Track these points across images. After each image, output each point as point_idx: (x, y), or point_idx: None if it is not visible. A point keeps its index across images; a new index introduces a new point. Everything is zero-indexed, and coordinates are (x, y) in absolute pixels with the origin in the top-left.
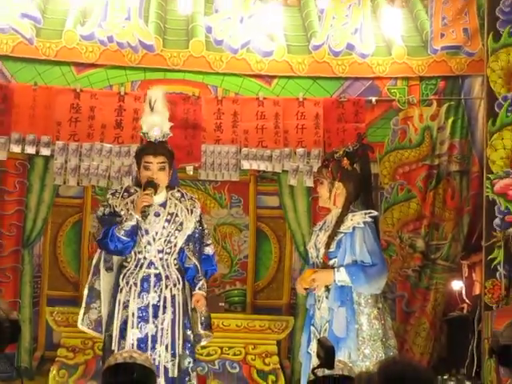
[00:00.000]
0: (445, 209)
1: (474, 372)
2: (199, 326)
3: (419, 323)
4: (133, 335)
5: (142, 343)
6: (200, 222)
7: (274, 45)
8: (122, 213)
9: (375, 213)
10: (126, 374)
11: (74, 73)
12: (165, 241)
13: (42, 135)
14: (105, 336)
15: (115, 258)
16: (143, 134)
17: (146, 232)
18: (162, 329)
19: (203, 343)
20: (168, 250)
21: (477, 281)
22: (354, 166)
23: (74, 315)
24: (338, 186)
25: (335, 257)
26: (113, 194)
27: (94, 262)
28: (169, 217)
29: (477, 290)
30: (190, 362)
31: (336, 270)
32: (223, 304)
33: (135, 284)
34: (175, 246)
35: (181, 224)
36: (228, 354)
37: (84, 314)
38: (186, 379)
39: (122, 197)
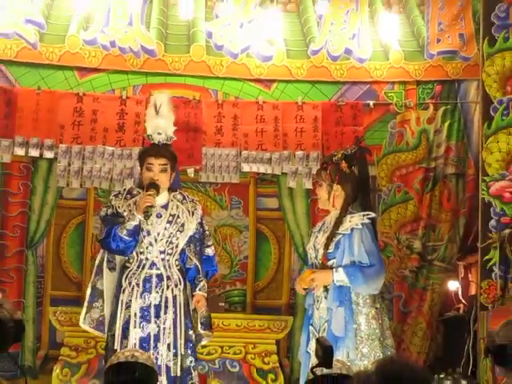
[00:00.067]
0: (441, 210)
1: (469, 371)
2: (199, 325)
3: (416, 323)
4: (135, 335)
5: (144, 343)
6: (201, 223)
7: (274, 50)
8: (125, 214)
9: (373, 214)
10: (127, 373)
11: (77, 77)
12: (166, 242)
13: (46, 138)
14: (107, 335)
15: (118, 259)
16: (148, 137)
17: (148, 233)
18: (164, 328)
19: (203, 343)
20: (170, 251)
21: (473, 281)
22: (352, 168)
23: (76, 315)
24: (336, 188)
25: (334, 257)
26: (116, 196)
27: (97, 262)
28: (170, 218)
29: (473, 291)
30: (191, 362)
31: (334, 270)
32: (223, 304)
33: (137, 284)
34: (177, 246)
35: (182, 225)
36: (228, 353)
37: (86, 312)
38: (188, 378)
39: (124, 198)
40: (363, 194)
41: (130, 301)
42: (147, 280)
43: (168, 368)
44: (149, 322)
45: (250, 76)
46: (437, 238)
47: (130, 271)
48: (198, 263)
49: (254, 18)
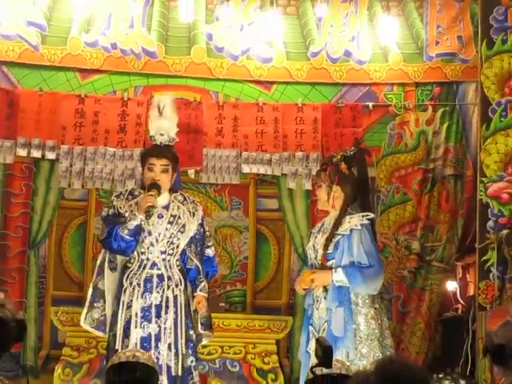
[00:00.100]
0: (439, 211)
1: (468, 371)
2: (200, 326)
3: (415, 323)
4: (136, 334)
5: (145, 342)
6: (202, 224)
7: (274, 52)
8: (126, 214)
9: (372, 215)
10: (129, 373)
11: (79, 79)
12: (167, 242)
13: (48, 139)
14: (109, 335)
15: (119, 259)
16: (150, 138)
17: (149, 233)
18: (165, 328)
19: (204, 343)
20: (170, 252)
21: (471, 282)
22: (352, 169)
23: (78, 315)
24: (336, 189)
25: (333, 258)
26: (117, 196)
27: (98, 262)
28: (171, 219)
29: (471, 291)
30: (192, 361)
31: (334, 270)
32: (224, 304)
33: (138, 284)
34: (178, 247)
35: (183, 226)
36: (228, 353)
37: (87, 312)
38: (189, 378)
39: (126, 199)
40: (362, 195)
41: (131, 301)
42: (148, 280)
43: (169, 368)
44: (150, 321)
45: (250, 78)
46: (435, 238)
47: (131, 271)
48: (198, 264)
49: (254, 20)
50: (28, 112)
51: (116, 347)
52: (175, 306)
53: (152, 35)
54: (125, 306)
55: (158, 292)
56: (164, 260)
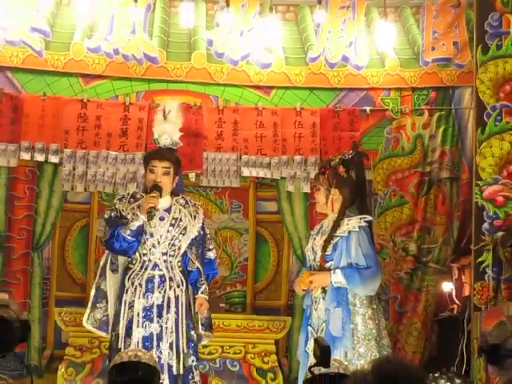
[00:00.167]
0: (436, 214)
1: (463, 370)
2: (200, 326)
3: (411, 323)
4: (138, 334)
5: (146, 342)
6: (202, 227)
7: (273, 57)
8: (128, 217)
9: (370, 217)
10: (131, 373)
11: (82, 84)
12: (169, 244)
13: (51, 143)
14: (111, 335)
15: (121, 260)
16: (154, 141)
17: (151, 235)
18: (167, 328)
19: (204, 342)
20: (172, 253)
21: (466, 283)
22: (350, 172)
23: (81, 315)
24: (334, 192)
25: (331, 259)
26: (120, 200)
27: (101, 264)
28: (173, 221)
29: (466, 292)
30: (193, 361)
31: (332, 272)
32: (224, 305)
33: (140, 285)
34: (179, 249)
35: (185, 228)
36: (228, 353)
37: (89, 313)
38: (190, 377)
39: (128, 202)
40: (360, 197)
41: (133, 301)
42: (150, 280)
43: (170, 367)
44: (151, 321)
45: (249, 83)
46: (431, 240)
47: (133, 272)
48: (199, 266)
49: (253, 26)
50: (32, 116)
51: (119, 346)
52: (176, 306)
53: (153, 41)
54: (127, 305)
55: (159, 292)
56: (166, 261)
